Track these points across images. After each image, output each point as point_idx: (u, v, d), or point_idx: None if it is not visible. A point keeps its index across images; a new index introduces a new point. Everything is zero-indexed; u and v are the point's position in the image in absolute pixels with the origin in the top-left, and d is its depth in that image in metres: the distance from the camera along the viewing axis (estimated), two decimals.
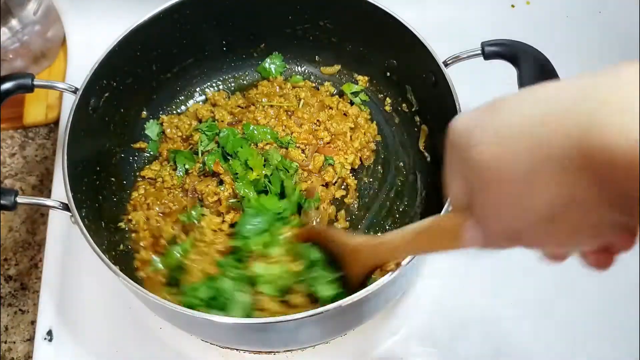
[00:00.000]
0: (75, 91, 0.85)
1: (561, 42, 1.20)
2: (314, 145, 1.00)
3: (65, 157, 0.81)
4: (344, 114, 1.05)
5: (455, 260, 1.00)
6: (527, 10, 1.25)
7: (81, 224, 0.77)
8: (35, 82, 0.82)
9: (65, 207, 0.79)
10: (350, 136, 1.02)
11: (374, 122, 1.06)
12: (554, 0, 1.24)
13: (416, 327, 0.95)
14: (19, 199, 0.77)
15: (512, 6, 1.25)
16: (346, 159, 1.00)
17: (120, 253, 0.91)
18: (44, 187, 1.12)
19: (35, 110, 1.17)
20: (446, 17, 1.21)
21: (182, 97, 1.08)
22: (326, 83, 1.10)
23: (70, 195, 0.79)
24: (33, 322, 1.00)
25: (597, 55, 1.19)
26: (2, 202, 0.76)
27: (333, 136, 1.02)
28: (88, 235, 0.77)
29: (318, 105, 1.04)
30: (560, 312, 0.96)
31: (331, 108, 1.05)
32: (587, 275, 1.01)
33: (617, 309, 0.97)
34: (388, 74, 1.06)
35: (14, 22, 1.15)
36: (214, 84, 1.11)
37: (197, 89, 1.10)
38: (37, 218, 1.09)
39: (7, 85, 0.80)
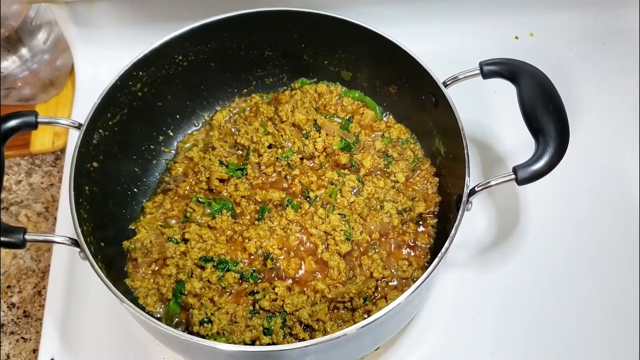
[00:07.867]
0: (79, 127, 0.86)
1: (565, 72, 1.21)
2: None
3: (72, 194, 0.81)
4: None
5: (463, 281, 1.00)
6: (531, 41, 1.25)
7: (92, 260, 0.77)
8: (39, 120, 0.83)
9: (75, 243, 0.79)
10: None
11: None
12: (558, 32, 1.24)
13: (426, 352, 0.95)
14: (28, 236, 0.76)
15: (516, 37, 1.25)
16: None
17: (125, 284, 0.91)
18: (49, 214, 1.14)
19: (42, 138, 1.19)
20: (450, 48, 1.22)
21: (188, 133, 1.08)
22: None
23: (79, 231, 0.78)
24: (35, 351, 1.01)
25: (600, 82, 1.19)
26: (11, 240, 0.75)
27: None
28: (100, 271, 0.76)
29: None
30: (563, 317, 0.97)
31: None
32: (587, 278, 1.01)
33: (617, 309, 0.97)
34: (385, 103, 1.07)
35: (24, 51, 1.18)
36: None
37: (203, 121, 1.10)
38: (42, 245, 1.10)
39: (12, 123, 0.81)
